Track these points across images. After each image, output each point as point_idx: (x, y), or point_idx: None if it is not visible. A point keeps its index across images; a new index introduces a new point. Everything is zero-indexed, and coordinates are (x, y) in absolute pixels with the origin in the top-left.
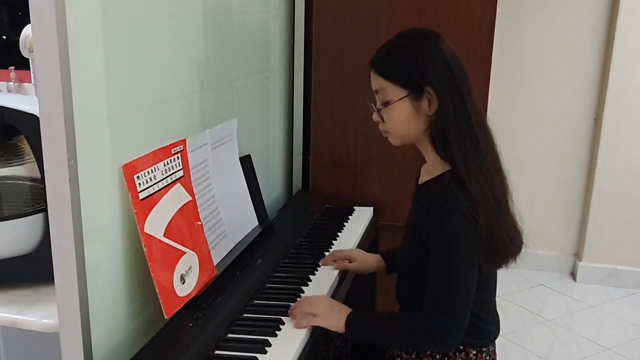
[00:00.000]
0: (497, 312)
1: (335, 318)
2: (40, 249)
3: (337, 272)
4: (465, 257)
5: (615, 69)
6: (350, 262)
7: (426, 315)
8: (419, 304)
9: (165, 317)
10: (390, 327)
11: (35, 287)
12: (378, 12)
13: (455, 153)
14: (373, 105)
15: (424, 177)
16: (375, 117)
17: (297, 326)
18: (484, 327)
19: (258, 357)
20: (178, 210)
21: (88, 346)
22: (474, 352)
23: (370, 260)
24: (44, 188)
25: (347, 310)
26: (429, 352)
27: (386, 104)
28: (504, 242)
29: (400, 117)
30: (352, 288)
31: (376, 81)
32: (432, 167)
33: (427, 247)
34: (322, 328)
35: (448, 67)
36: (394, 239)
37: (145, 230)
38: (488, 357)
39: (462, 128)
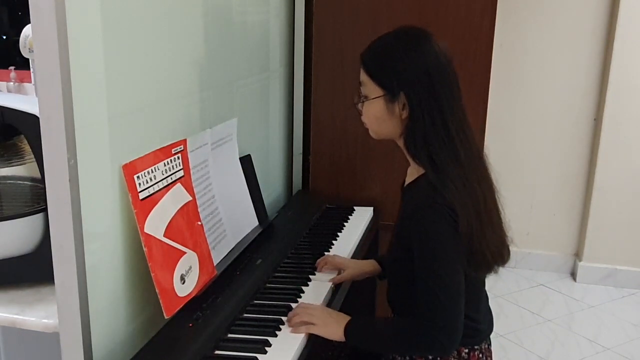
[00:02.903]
0: (489, 310)
1: (333, 327)
2: (40, 249)
3: (336, 272)
4: (448, 255)
5: (615, 69)
6: (342, 271)
7: (419, 319)
8: (411, 309)
9: (165, 317)
10: (389, 334)
11: (35, 287)
12: (378, 11)
13: (425, 159)
14: (356, 96)
15: (408, 179)
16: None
17: (295, 332)
18: (474, 326)
19: (258, 357)
20: (178, 210)
21: (88, 346)
22: (466, 350)
23: (363, 266)
24: (44, 188)
25: (345, 318)
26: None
27: (365, 98)
28: (483, 254)
29: (374, 114)
30: (351, 291)
31: (361, 74)
32: (413, 169)
33: (410, 250)
34: (317, 336)
35: (428, 75)
36: None
37: (145, 230)
38: (481, 355)
39: (435, 137)
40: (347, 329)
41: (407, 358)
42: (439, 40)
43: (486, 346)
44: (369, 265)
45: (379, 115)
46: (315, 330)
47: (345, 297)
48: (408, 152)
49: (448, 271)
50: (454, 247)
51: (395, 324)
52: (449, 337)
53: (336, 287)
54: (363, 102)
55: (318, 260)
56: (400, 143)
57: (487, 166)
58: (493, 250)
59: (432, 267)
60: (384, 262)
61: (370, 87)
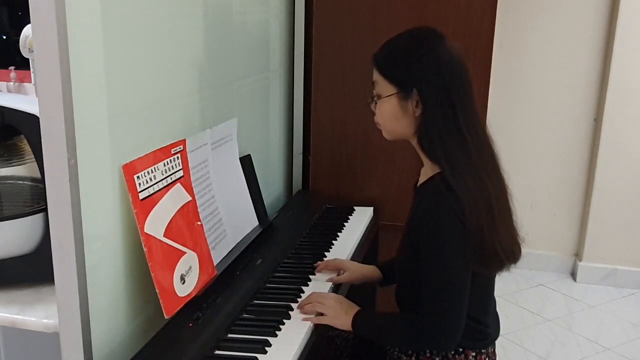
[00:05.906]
0: (497, 314)
1: (342, 318)
2: (40, 249)
3: (337, 274)
4: (455, 257)
5: (615, 69)
6: (342, 272)
7: (422, 317)
8: (419, 308)
9: (165, 317)
10: (392, 328)
11: (35, 287)
12: (378, 12)
13: (441, 157)
14: (369, 97)
15: (421, 179)
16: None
17: (306, 320)
18: (483, 329)
19: (258, 357)
20: (178, 211)
21: (88, 346)
22: (473, 354)
23: (363, 271)
24: (44, 188)
25: (354, 309)
26: (428, 354)
27: (378, 97)
28: (495, 250)
29: (387, 113)
30: (351, 290)
31: (374, 74)
32: (427, 169)
33: (420, 249)
34: (325, 326)
35: (440, 73)
36: (394, 239)
37: (145, 230)
38: (487, 359)
39: (448, 134)
40: (354, 321)
41: (413, 357)
42: (452, 40)
43: (492, 350)
44: (369, 270)
45: (392, 114)
46: (325, 321)
47: (345, 295)
48: (422, 150)
49: (455, 270)
50: (463, 247)
51: (399, 319)
52: (448, 336)
53: (335, 288)
54: (376, 101)
55: (318, 263)
56: (414, 142)
57: (498, 165)
58: (505, 246)
59: (439, 265)
60: (385, 268)
61: (383, 86)
